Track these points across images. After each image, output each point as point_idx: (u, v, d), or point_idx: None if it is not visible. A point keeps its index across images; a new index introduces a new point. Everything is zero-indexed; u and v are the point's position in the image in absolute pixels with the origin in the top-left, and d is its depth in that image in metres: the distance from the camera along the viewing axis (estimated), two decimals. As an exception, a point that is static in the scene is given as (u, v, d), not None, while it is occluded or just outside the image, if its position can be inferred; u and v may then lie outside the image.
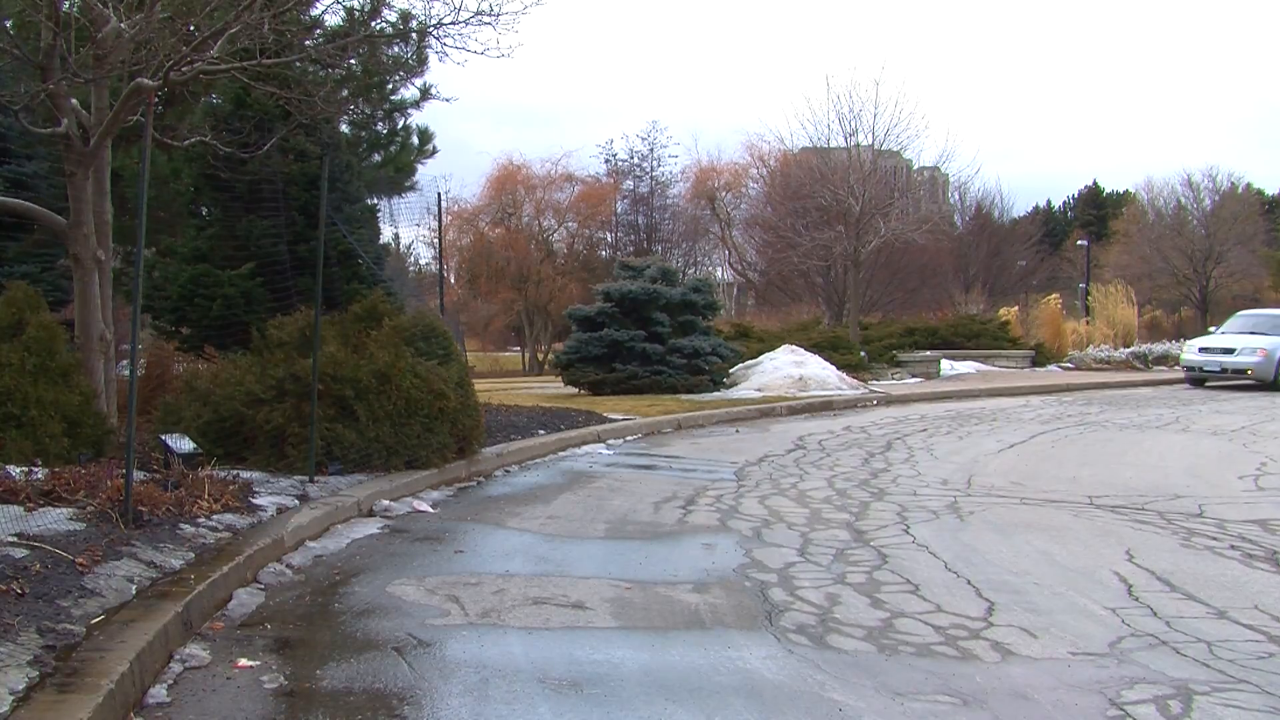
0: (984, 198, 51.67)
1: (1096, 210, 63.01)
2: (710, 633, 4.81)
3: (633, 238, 46.24)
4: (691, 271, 43.23)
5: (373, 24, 12.45)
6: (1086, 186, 68.50)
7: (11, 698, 3.40)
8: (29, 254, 14.82)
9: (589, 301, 20.57)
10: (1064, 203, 69.25)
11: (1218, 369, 21.47)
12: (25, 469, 6.43)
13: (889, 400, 18.15)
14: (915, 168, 39.97)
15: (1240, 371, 21.12)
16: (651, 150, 46.50)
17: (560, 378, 19.64)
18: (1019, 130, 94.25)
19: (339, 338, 8.74)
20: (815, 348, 21.16)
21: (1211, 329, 26.70)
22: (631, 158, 46.74)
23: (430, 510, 7.69)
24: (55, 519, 5.46)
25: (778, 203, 38.28)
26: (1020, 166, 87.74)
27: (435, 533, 6.95)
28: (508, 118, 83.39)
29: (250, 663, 4.30)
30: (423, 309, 12.62)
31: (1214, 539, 6.85)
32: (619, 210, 46.66)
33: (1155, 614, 5.11)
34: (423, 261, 43.22)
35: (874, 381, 21.15)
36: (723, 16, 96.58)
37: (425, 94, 17.84)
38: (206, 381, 8.66)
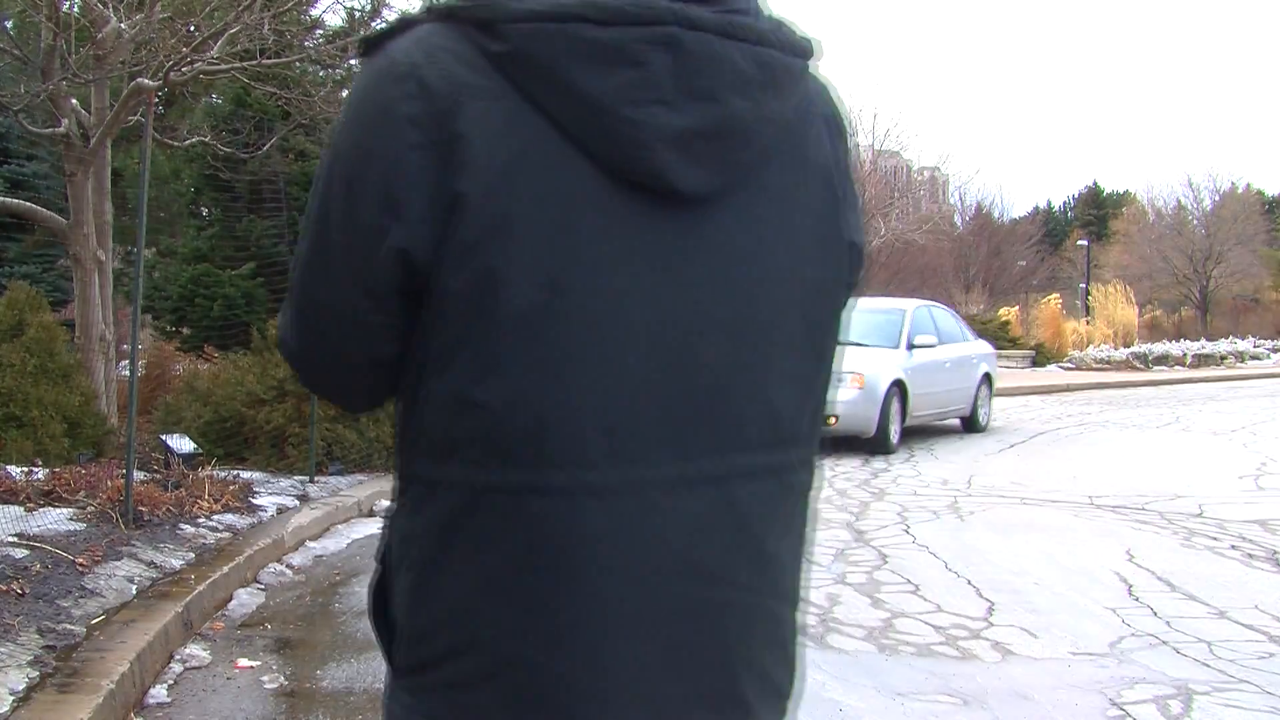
0: (984, 197, 51.76)
1: (1096, 210, 63.03)
2: (710, 633, 4.80)
3: (633, 238, 46.25)
4: (692, 271, 43.17)
5: (373, 24, 12.46)
6: (1087, 186, 68.55)
7: (12, 698, 3.40)
8: (29, 254, 14.84)
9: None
10: (1064, 203, 69.30)
11: None
12: (26, 469, 6.43)
13: (889, 400, 18.12)
14: (915, 168, 40.03)
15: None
16: (652, 151, 46.47)
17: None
18: (1019, 130, 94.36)
19: (339, 338, 8.74)
20: (815, 348, 21.11)
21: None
22: (632, 158, 46.79)
23: (430, 510, 7.68)
24: (55, 519, 5.46)
25: (778, 203, 38.23)
26: (1020, 166, 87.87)
27: (435, 533, 6.94)
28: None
29: (250, 663, 4.29)
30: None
31: (1214, 539, 6.85)
32: (619, 210, 46.70)
33: (1155, 614, 5.10)
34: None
35: (874, 381, 21.12)
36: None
37: (425, 94, 17.78)
38: (207, 381, 8.67)
